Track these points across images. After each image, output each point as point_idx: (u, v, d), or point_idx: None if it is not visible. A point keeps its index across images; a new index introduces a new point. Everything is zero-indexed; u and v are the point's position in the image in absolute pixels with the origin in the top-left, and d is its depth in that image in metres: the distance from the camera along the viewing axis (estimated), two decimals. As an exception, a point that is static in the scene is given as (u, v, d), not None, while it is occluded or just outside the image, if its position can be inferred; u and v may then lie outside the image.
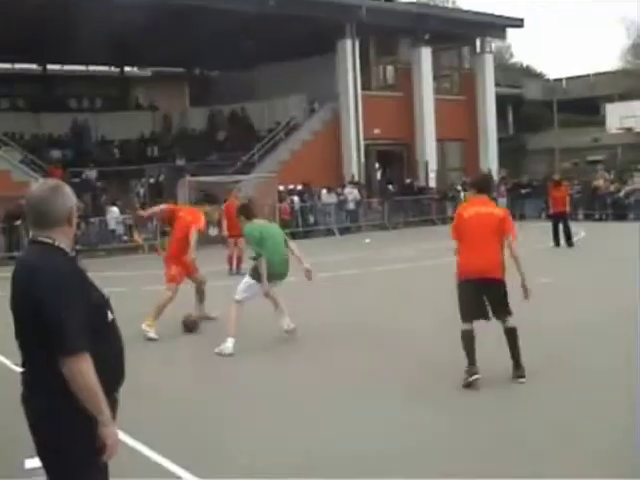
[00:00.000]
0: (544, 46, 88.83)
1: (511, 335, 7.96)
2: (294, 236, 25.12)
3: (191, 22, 30.96)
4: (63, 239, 3.59)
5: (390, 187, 35.38)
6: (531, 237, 24.66)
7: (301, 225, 30.62)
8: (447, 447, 6.27)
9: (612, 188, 33.82)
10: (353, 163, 34.96)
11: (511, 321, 7.98)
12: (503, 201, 36.14)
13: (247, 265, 12.44)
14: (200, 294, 12.33)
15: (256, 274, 10.26)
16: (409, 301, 13.71)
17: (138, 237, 27.77)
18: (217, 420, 7.29)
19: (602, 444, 6.14)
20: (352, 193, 32.57)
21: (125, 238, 28.22)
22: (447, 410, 7.29)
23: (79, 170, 32.52)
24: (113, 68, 43.85)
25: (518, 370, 7.94)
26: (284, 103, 37.15)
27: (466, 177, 38.20)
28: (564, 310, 11.94)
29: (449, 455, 6.09)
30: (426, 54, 37.63)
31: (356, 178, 34.40)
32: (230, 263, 18.68)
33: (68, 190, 3.66)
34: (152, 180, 33.46)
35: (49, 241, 3.54)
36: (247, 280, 10.41)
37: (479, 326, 7.99)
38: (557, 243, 22.08)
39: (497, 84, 42.45)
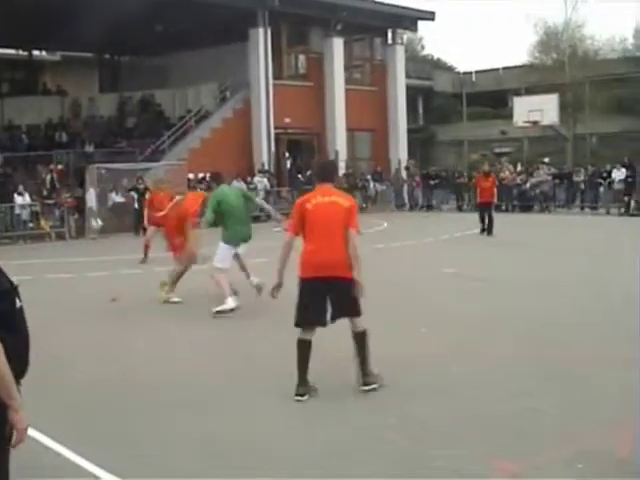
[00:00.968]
0: (454, 40, 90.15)
1: (360, 339, 7.26)
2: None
3: (103, 5, 30.43)
4: None
5: (300, 176, 35.53)
6: (441, 228, 25.38)
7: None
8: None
9: (518, 180, 34.68)
10: (263, 152, 35.00)
11: (360, 324, 7.29)
12: (418, 191, 37.03)
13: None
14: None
15: (225, 238, 11.34)
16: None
17: (45, 224, 27.42)
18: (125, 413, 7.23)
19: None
20: (262, 182, 32.64)
21: (31, 225, 27.79)
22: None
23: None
24: (21, 52, 42.89)
25: (366, 377, 7.29)
26: (195, 91, 36.96)
27: (376, 167, 38.84)
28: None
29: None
30: (338, 44, 37.84)
31: (266, 167, 34.46)
32: (146, 252, 18.57)
33: None
34: (60, 166, 32.88)
35: None
36: (221, 245, 11.37)
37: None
38: (482, 230, 23.21)
39: (408, 76, 43.02)
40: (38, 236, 26.80)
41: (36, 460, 3.67)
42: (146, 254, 18.50)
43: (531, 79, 43.61)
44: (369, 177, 37.47)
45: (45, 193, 28.94)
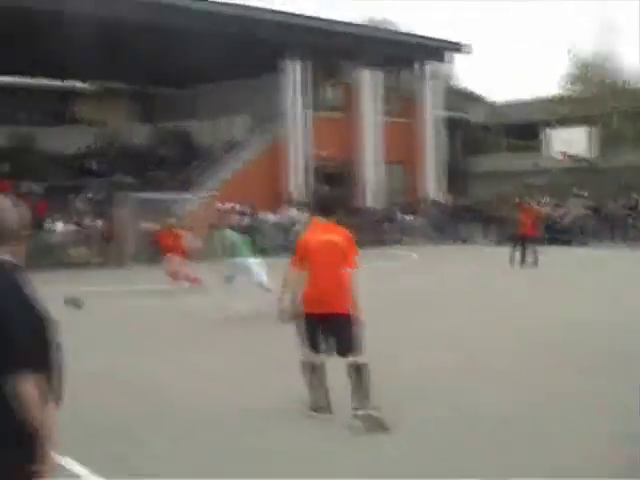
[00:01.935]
0: (484, 69, 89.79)
1: (359, 373, 7.08)
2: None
3: (138, 39, 30.70)
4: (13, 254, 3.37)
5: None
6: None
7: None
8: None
9: (556, 215, 34.32)
10: (299, 184, 35.01)
11: (360, 359, 7.12)
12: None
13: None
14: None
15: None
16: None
17: (83, 252, 27.64)
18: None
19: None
20: (301, 215, 32.41)
21: (69, 252, 27.91)
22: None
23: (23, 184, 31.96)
24: (54, 81, 43.29)
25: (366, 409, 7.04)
26: (227, 121, 37.13)
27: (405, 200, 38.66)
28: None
29: None
30: (369, 76, 37.91)
31: (301, 199, 34.32)
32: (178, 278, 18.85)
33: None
34: (91, 195, 33.05)
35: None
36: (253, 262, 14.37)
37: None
38: (522, 262, 23.40)
39: (444, 107, 42.85)
40: (75, 264, 26.82)
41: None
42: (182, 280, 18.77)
43: (561, 111, 43.29)
44: (397, 209, 37.20)
45: (77, 220, 29.16)
